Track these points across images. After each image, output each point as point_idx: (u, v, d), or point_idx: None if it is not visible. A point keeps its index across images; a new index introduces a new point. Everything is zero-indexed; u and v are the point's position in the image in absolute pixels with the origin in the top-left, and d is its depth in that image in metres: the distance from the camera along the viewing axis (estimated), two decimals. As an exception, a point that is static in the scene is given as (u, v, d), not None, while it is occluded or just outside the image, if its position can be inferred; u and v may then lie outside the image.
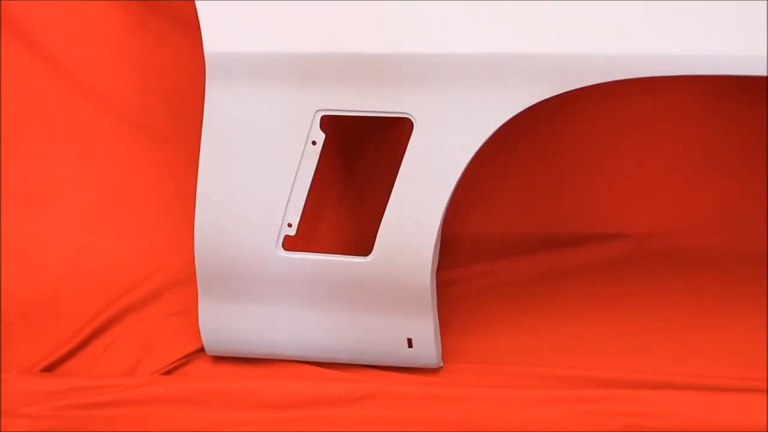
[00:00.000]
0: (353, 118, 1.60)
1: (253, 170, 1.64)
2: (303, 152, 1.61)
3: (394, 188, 1.60)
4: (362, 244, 1.71)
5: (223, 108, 1.62)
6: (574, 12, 1.47)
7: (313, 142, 1.60)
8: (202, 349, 1.80)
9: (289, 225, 1.65)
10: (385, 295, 1.66)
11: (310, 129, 1.60)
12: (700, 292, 1.93)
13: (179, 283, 1.96)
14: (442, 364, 1.74)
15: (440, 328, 1.71)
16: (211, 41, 1.59)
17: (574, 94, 1.51)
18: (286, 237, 1.66)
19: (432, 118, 1.55)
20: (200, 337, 1.77)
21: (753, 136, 2.07)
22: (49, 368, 1.83)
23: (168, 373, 1.81)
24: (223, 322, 1.75)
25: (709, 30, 1.44)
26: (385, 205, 1.61)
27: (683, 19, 1.44)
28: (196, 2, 1.58)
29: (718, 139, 2.10)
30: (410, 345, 1.69)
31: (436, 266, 1.67)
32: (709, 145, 2.11)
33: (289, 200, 1.64)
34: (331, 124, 1.62)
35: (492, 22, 1.50)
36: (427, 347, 1.69)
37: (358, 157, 2.13)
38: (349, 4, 1.53)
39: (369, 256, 1.63)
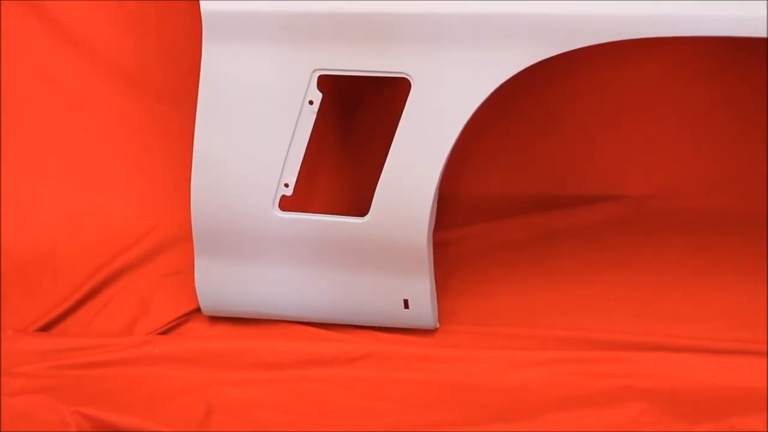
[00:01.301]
0: (351, 77, 1.59)
1: (249, 130, 1.63)
2: (300, 112, 1.60)
3: (391, 148, 1.59)
4: (359, 205, 1.70)
5: (219, 67, 1.61)
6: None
7: (311, 102, 1.59)
8: (198, 310, 1.80)
9: (286, 185, 1.64)
10: (382, 256, 1.65)
11: (307, 88, 1.59)
12: (699, 254, 1.92)
13: (176, 242, 1.95)
14: (438, 325, 1.74)
15: (437, 289, 1.71)
16: (208, -1, 1.58)
17: (572, 55, 1.50)
18: (283, 197, 1.65)
19: (429, 77, 1.54)
20: (197, 297, 1.77)
21: (752, 96, 2.06)
22: (45, 328, 1.82)
23: (164, 333, 1.81)
24: (220, 282, 1.75)
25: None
26: (383, 166, 1.60)
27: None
28: (193, -40, 1.57)
29: (717, 100, 2.09)
30: (406, 306, 1.69)
31: (432, 227, 1.66)
32: (707, 106, 2.10)
33: (285, 160, 1.63)
34: (328, 83, 1.61)
35: (490, -18, 1.49)
36: (424, 308, 1.69)
37: (356, 117, 2.12)
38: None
39: (366, 216, 1.63)
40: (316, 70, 1.58)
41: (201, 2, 1.57)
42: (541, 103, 2.11)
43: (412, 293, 1.68)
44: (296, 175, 1.64)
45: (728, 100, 2.08)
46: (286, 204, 1.66)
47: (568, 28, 1.48)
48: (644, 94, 2.10)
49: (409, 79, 1.55)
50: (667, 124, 2.11)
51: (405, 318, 1.71)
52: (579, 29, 1.48)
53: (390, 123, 1.61)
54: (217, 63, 1.61)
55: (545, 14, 1.48)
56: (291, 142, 1.62)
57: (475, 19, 1.50)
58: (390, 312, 1.71)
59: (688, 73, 2.08)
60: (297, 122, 1.61)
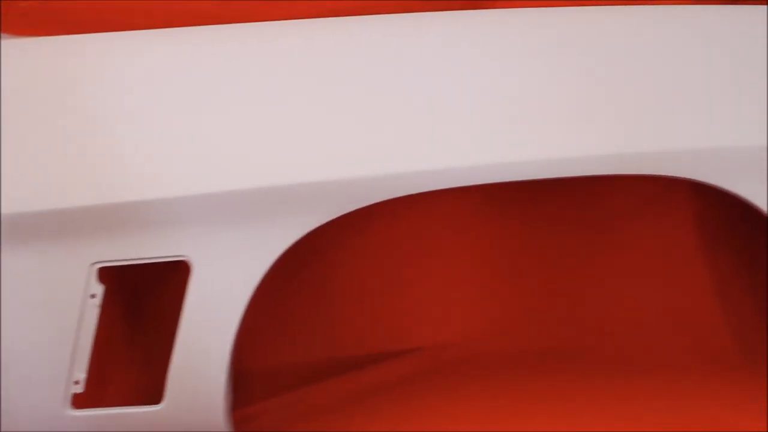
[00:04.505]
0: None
1: (32, 330, 1.60)
2: (83, 307, 1.58)
3: (178, 331, 1.58)
4: (155, 392, 1.68)
5: (-5, 270, 1.59)
6: (339, 139, 1.53)
7: (92, 295, 1.58)
8: None
9: (76, 382, 1.61)
10: (182, 441, 1.63)
11: (87, 282, 1.58)
12: (500, 397, 1.95)
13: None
14: (244, 506, 1.71)
15: (242, 468, 1.69)
16: (-23, 205, 1.56)
17: (351, 215, 1.54)
18: (74, 394, 1.62)
19: (207, 257, 1.55)
20: None
21: (527, 235, 2.15)
22: None
23: None
24: (17, 491, 1.68)
25: (462, 143, 1.52)
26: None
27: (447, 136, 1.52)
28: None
29: (496, 244, 2.16)
30: (211, 490, 1.67)
31: (230, 405, 1.66)
32: (489, 251, 2.17)
33: (73, 357, 1.60)
34: (111, 271, 1.60)
35: (258, 157, 1.53)
36: (228, 490, 1.67)
37: (144, 301, 2.10)
38: (109, 156, 1.53)
39: (161, 403, 1.61)
40: (94, 263, 1.57)
41: (-31, 209, 1.55)
42: (327, 265, 2.13)
43: (217, 476, 1.66)
44: (86, 371, 1.61)
45: (503, 243, 2.16)
46: (79, 401, 1.63)
47: (339, 192, 1.54)
48: (424, 246, 2.15)
49: (188, 261, 1.56)
50: (452, 272, 2.16)
51: (212, 503, 1.68)
52: (350, 192, 1.54)
53: (177, 305, 1.60)
54: (-8, 267, 1.58)
55: (316, 182, 1.53)
56: (77, 338, 1.59)
57: (245, 194, 1.53)
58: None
59: (462, 220, 2.15)
60: (80, 317, 1.59)
